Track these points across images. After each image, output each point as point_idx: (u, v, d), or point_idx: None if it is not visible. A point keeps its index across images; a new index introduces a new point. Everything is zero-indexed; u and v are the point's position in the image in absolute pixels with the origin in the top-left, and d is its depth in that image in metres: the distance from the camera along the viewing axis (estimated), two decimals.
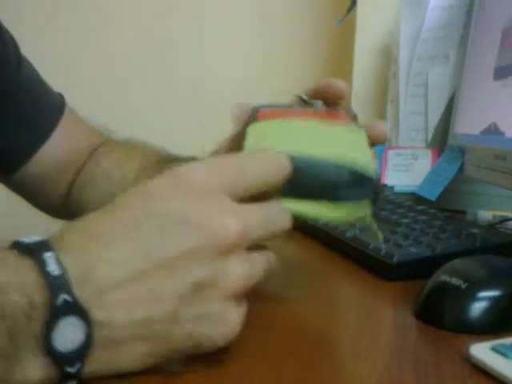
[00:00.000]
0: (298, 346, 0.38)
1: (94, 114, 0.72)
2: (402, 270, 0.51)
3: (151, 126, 1.24)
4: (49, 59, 1.22)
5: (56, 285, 0.29)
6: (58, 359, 0.29)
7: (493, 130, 0.67)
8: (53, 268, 0.29)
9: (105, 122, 0.73)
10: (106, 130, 0.75)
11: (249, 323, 0.35)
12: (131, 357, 0.32)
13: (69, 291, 0.29)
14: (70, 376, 0.30)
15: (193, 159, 0.55)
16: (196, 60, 1.31)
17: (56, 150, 0.69)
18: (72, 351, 0.29)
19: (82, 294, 0.29)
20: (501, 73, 0.67)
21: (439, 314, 0.41)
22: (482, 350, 0.34)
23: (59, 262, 0.29)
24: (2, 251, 0.31)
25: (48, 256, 0.29)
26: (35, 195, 0.71)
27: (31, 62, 0.70)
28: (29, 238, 0.31)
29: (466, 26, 0.83)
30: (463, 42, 0.83)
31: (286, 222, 0.37)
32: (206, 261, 0.32)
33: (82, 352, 0.30)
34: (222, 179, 0.35)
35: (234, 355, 0.36)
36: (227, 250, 0.33)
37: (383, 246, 0.53)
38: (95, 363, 0.30)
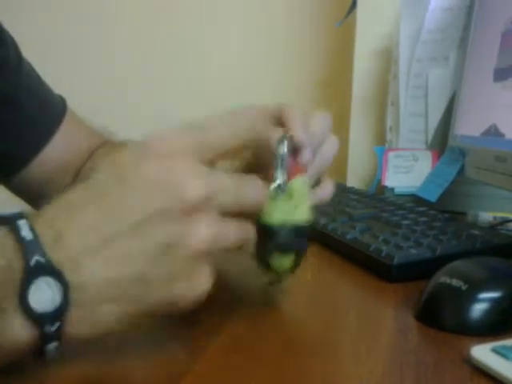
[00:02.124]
0: (298, 347, 0.38)
1: (93, 114, 0.72)
2: (402, 271, 0.51)
3: (151, 126, 1.24)
4: (49, 59, 1.22)
5: (29, 247, 0.31)
6: (37, 318, 0.31)
7: (493, 132, 0.67)
8: (26, 233, 0.31)
9: (104, 122, 0.73)
10: (107, 132, 0.75)
11: (249, 325, 0.35)
12: (108, 317, 0.33)
13: (41, 253, 0.31)
14: (51, 337, 0.31)
15: None
16: (196, 60, 1.31)
17: (57, 152, 0.69)
18: (50, 311, 0.31)
19: (54, 257, 0.31)
20: (501, 74, 0.67)
21: (440, 316, 0.41)
22: (482, 352, 0.34)
23: (32, 229, 0.31)
24: None
25: (22, 223, 0.32)
26: (36, 197, 0.71)
27: (31, 61, 0.70)
28: (7, 212, 0.33)
29: (466, 27, 0.83)
30: (463, 43, 0.83)
31: (260, 196, 0.38)
32: (170, 221, 0.33)
33: (59, 312, 0.31)
34: (186, 141, 0.36)
35: (233, 356, 0.36)
36: (192, 211, 0.33)
37: (384, 247, 0.53)
38: (74, 324, 0.32)
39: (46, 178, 0.69)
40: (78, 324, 0.32)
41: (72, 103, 0.74)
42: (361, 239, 0.58)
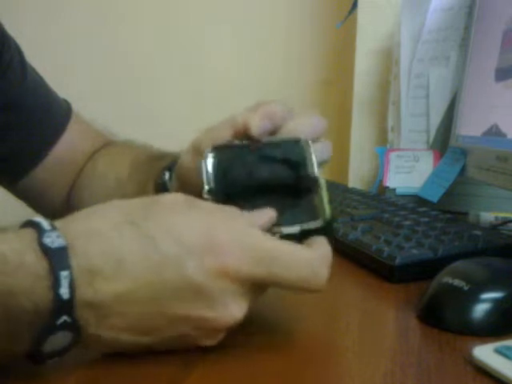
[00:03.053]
0: (300, 348, 0.38)
1: (94, 114, 0.72)
2: (404, 272, 0.51)
3: (151, 126, 1.25)
4: (50, 59, 1.22)
5: (62, 308, 0.31)
6: (41, 357, 0.32)
7: (494, 132, 0.67)
8: (64, 291, 0.31)
9: (105, 122, 0.74)
10: (110, 134, 0.75)
11: (251, 326, 0.35)
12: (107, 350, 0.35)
13: (71, 315, 0.31)
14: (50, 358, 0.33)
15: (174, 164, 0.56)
16: (196, 60, 1.31)
17: (62, 156, 0.69)
18: (54, 351, 0.32)
19: (84, 315, 0.32)
20: (502, 74, 0.67)
21: (442, 316, 0.41)
22: (485, 352, 0.34)
23: (71, 285, 0.31)
24: (21, 240, 0.32)
25: (64, 276, 0.31)
26: (40, 200, 0.71)
27: (31, 60, 0.70)
28: (52, 240, 0.32)
29: (467, 27, 0.83)
30: (464, 43, 0.83)
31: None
32: (200, 327, 0.35)
33: (63, 352, 0.33)
34: (249, 270, 0.35)
35: (235, 357, 0.36)
36: (222, 329, 0.35)
37: (385, 247, 0.53)
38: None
39: (51, 180, 0.70)
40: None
41: (72, 103, 0.74)
42: (362, 240, 0.57)
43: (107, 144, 0.73)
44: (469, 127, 0.75)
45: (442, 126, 0.87)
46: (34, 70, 0.70)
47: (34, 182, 0.69)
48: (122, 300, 0.33)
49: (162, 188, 0.56)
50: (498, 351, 0.34)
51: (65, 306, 0.31)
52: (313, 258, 0.36)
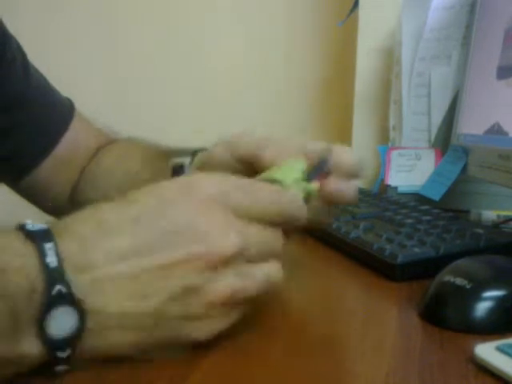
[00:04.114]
0: (302, 347, 0.38)
1: (95, 114, 0.72)
2: (406, 270, 0.51)
3: (152, 126, 1.25)
4: (50, 60, 1.22)
5: (52, 276, 0.31)
6: (50, 345, 0.31)
7: (496, 130, 0.67)
8: (51, 259, 0.31)
9: (106, 122, 0.74)
10: (112, 132, 0.75)
11: (251, 325, 0.35)
12: (119, 344, 0.34)
13: (64, 283, 0.31)
14: (61, 361, 0.32)
15: (195, 151, 0.58)
16: (197, 60, 1.31)
17: (65, 154, 0.70)
18: (64, 338, 0.31)
19: (77, 282, 0.31)
20: (504, 72, 0.67)
21: (444, 315, 0.41)
22: (487, 350, 0.34)
23: (58, 254, 0.31)
24: (7, 235, 0.33)
25: (48, 247, 0.31)
26: (43, 198, 0.71)
27: (32, 59, 0.70)
28: (33, 225, 0.33)
29: (469, 25, 0.82)
30: (466, 41, 0.83)
31: (280, 249, 0.39)
32: (200, 269, 0.34)
33: (73, 339, 0.32)
34: (233, 199, 0.37)
35: (236, 356, 0.36)
36: (222, 263, 0.35)
37: (387, 246, 0.53)
38: (85, 347, 0.32)
39: (54, 178, 0.70)
40: (88, 347, 0.33)
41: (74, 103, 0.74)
42: (364, 238, 0.57)
43: (110, 142, 0.73)
44: (471, 125, 0.75)
45: (443, 125, 0.87)
46: (36, 69, 0.70)
47: (38, 180, 0.69)
48: (113, 256, 0.32)
49: None
50: (499, 349, 0.34)
51: (56, 274, 0.31)
52: (289, 192, 0.40)
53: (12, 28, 0.68)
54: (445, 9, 0.89)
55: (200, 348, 0.36)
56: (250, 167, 0.50)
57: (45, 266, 0.31)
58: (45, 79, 0.71)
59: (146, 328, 0.34)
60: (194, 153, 0.58)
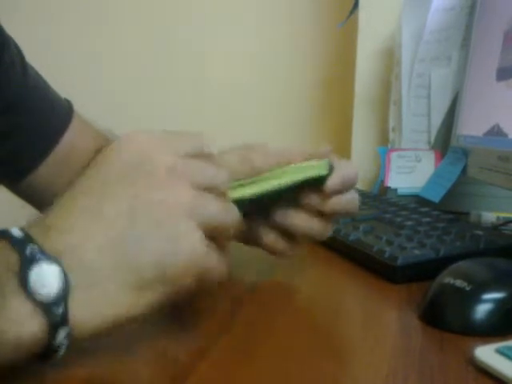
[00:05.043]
0: (302, 348, 0.38)
1: (94, 115, 0.72)
2: (405, 272, 0.51)
3: (152, 126, 1.25)
4: (49, 60, 1.22)
5: (22, 242, 0.32)
6: (41, 302, 0.31)
7: (496, 132, 0.67)
8: (17, 233, 0.33)
9: (105, 122, 0.74)
10: (111, 134, 0.75)
11: (252, 326, 0.35)
12: (109, 294, 0.34)
13: (34, 243, 0.32)
14: (59, 322, 0.32)
15: None
16: (197, 61, 1.31)
17: (64, 156, 0.70)
18: (53, 294, 0.32)
19: (47, 243, 0.33)
20: (504, 74, 0.67)
21: (444, 317, 0.41)
22: (486, 353, 0.34)
23: (22, 229, 0.33)
24: None
25: (13, 229, 0.34)
26: (43, 200, 0.71)
27: (31, 60, 0.70)
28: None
29: (468, 27, 0.82)
30: (465, 43, 0.83)
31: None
32: (152, 184, 0.36)
33: (62, 294, 0.32)
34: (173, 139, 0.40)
35: (236, 357, 0.36)
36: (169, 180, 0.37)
37: (387, 248, 0.53)
38: (79, 308, 0.33)
39: (53, 180, 0.70)
40: (82, 308, 0.33)
41: (74, 105, 0.74)
42: (364, 240, 0.57)
43: (108, 144, 0.73)
44: (470, 127, 0.75)
45: (443, 126, 0.87)
46: (34, 70, 0.70)
47: (37, 182, 0.69)
48: (70, 212, 0.35)
49: None
50: (499, 351, 0.34)
51: (23, 240, 0.33)
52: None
53: (10, 28, 0.68)
54: (445, 10, 0.89)
55: (199, 348, 0.36)
56: None
57: (12, 238, 0.33)
58: (43, 81, 0.71)
59: (130, 261, 0.34)
60: None
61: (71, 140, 0.70)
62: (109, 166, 0.39)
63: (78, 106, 0.74)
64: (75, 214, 0.35)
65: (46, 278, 0.32)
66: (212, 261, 0.37)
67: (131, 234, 0.34)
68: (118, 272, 0.34)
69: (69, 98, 0.74)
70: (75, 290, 0.32)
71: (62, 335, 0.32)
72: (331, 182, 0.48)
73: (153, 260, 0.34)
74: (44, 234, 0.33)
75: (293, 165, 0.47)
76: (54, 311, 0.32)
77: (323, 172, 0.47)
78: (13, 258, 0.32)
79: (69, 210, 0.36)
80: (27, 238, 0.33)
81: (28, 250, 0.32)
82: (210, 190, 0.38)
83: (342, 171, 0.49)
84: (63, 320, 0.32)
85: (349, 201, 0.50)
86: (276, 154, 0.49)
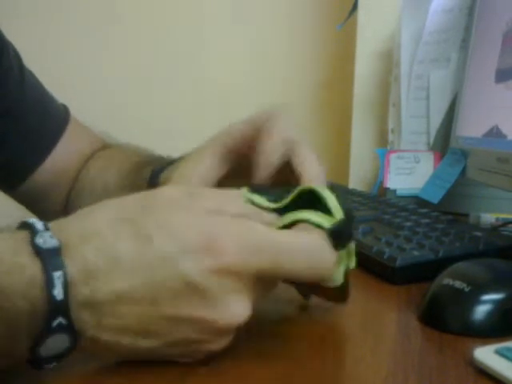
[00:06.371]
0: (301, 350, 0.38)
1: (94, 115, 0.73)
2: (404, 273, 0.51)
3: (151, 128, 1.25)
4: (49, 61, 1.22)
5: (56, 309, 0.30)
6: (39, 360, 0.32)
7: (495, 133, 0.67)
8: (58, 292, 0.30)
9: (104, 123, 0.74)
10: (108, 137, 0.75)
11: (252, 329, 0.35)
12: (106, 357, 0.34)
13: (66, 317, 0.31)
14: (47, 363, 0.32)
15: (174, 161, 0.58)
16: (197, 63, 1.32)
17: (60, 160, 0.70)
18: (53, 356, 0.32)
19: (81, 316, 0.31)
20: (503, 75, 0.67)
21: (443, 318, 0.41)
22: (486, 354, 0.34)
23: (65, 285, 0.30)
24: (16, 246, 0.31)
25: (57, 276, 0.30)
26: (40, 204, 0.71)
27: (29, 63, 0.70)
28: (43, 236, 0.31)
29: (467, 28, 0.83)
30: (464, 44, 0.83)
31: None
32: (204, 330, 0.33)
33: (61, 357, 0.32)
34: (250, 264, 0.33)
35: (235, 358, 0.36)
36: (226, 331, 0.34)
37: (386, 249, 0.53)
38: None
39: (49, 184, 0.70)
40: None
41: (72, 104, 0.74)
42: (363, 241, 0.57)
43: (104, 147, 0.74)
44: (469, 128, 0.75)
45: (442, 128, 0.87)
46: (32, 74, 0.70)
47: (34, 186, 0.69)
48: (119, 299, 0.32)
49: None
50: (498, 353, 0.34)
51: (59, 307, 0.30)
52: (315, 240, 0.35)
53: (9, 29, 0.68)
54: (444, 12, 0.89)
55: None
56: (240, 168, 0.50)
57: (50, 297, 0.30)
58: (41, 85, 0.71)
59: (137, 355, 0.34)
60: (169, 163, 0.58)
61: (67, 145, 0.71)
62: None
63: (77, 106, 0.74)
64: (126, 292, 0.32)
65: (56, 345, 0.31)
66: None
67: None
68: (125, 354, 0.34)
69: (68, 98, 0.74)
70: (78, 349, 0.32)
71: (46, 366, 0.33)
72: None
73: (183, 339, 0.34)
74: (82, 307, 0.31)
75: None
76: (46, 365, 0.32)
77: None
78: (39, 314, 0.30)
79: (124, 281, 0.32)
80: (64, 308, 0.30)
81: (55, 322, 0.30)
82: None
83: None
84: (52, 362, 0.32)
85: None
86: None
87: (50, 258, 0.31)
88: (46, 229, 0.32)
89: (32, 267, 0.30)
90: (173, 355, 0.34)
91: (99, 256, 0.32)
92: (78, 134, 0.72)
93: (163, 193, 0.36)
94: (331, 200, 0.39)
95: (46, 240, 0.31)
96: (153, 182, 0.58)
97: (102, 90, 1.32)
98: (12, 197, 0.71)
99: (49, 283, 0.30)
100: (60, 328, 0.31)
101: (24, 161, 0.68)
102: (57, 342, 0.31)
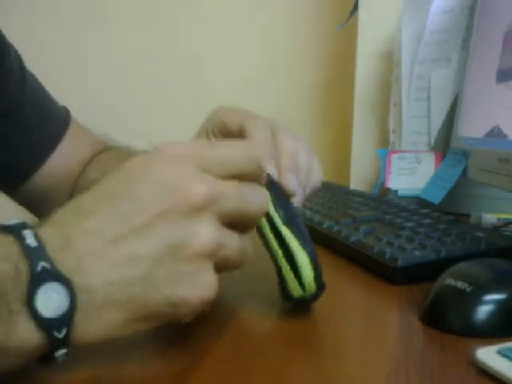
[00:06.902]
0: (303, 350, 0.38)
1: (93, 115, 0.73)
2: (406, 273, 0.51)
3: (151, 128, 1.25)
4: (48, 61, 1.22)
5: (34, 254, 0.31)
6: (44, 324, 0.31)
7: (496, 133, 0.67)
8: (31, 241, 0.31)
9: (104, 123, 0.74)
10: (108, 140, 0.75)
11: (252, 328, 0.35)
12: (113, 321, 0.33)
13: (47, 259, 0.31)
14: (60, 343, 0.31)
15: None
16: (197, 63, 1.32)
17: (61, 163, 0.70)
18: (57, 317, 0.31)
19: (60, 261, 0.31)
20: (503, 75, 0.67)
21: (445, 318, 0.41)
22: (488, 354, 0.34)
23: (37, 236, 0.32)
24: None
25: (27, 232, 0.32)
26: (40, 206, 0.71)
27: (30, 59, 0.70)
28: (10, 221, 0.33)
29: (468, 28, 0.83)
30: (465, 44, 0.83)
31: (263, 203, 0.39)
32: (176, 222, 0.34)
33: (67, 317, 0.31)
34: (196, 151, 0.37)
35: (235, 358, 0.36)
36: (197, 212, 0.34)
37: (387, 249, 0.53)
38: (81, 329, 0.32)
39: (49, 187, 0.70)
40: (84, 328, 0.32)
41: (72, 105, 0.74)
42: (364, 241, 0.57)
43: (105, 150, 0.74)
44: (470, 129, 0.75)
45: (443, 128, 0.87)
46: (33, 77, 0.71)
47: (34, 189, 0.69)
48: (91, 233, 0.32)
49: None
50: (500, 353, 0.34)
51: (37, 253, 0.31)
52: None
53: (9, 29, 0.68)
54: (444, 12, 0.89)
55: (200, 349, 0.36)
56: None
57: (25, 247, 0.31)
58: (42, 88, 0.71)
59: (137, 297, 0.33)
60: None
61: (67, 148, 0.71)
62: (138, 183, 0.35)
63: (76, 108, 0.74)
64: (95, 226, 0.33)
65: (53, 298, 0.31)
66: (233, 248, 0.36)
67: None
68: (127, 304, 0.33)
69: (68, 98, 0.74)
70: (80, 311, 0.32)
71: (60, 353, 0.32)
72: (289, 189, 0.47)
73: (164, 297, 0.33)
74: (61, 246, 0.32)
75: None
76: (57, 334, 0.31)
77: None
78: (22, 269, 0.31)
79: (90, 218, 0.33)
80: (41, 251, 0.31)
81: (39, 267, 0.31)
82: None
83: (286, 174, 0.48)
84: (64, 342, 0.31)
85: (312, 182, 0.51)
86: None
87: (17, 226, 0.32)
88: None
89: (4, 236, 0.32)
90: (167, 286, 0.34)
91: (62, 211, 0.34)
92: (78, 137, 0.72)
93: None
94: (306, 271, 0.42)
95: (11, 221, 0.33)
96: None
97: (101, 89, 1.32)
98: (13, 198, 0.71)
99: (21, 238, 0.31)
100: (46, 273, 0.31)
101: (24, 163, 0.68)
102: (51, 294, 0.31)
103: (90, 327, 0.32)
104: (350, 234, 0.60)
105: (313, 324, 0.44)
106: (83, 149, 0.73)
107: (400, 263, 0.51)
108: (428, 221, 0.63)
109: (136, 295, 0.33)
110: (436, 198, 0.77)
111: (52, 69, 1.17)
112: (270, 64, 1.30)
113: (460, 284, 0.41)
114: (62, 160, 0.70)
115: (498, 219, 0.77)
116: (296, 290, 0.42)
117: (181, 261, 0.34)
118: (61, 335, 0.31)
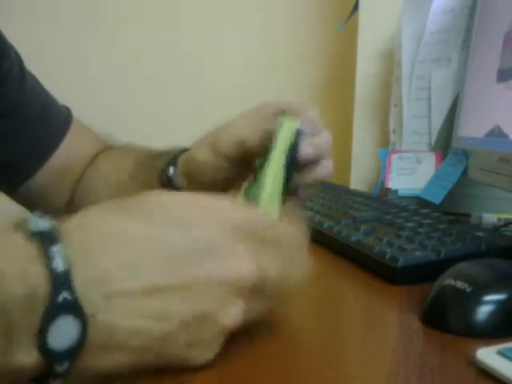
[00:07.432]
0: (303, 350, 0.38)
1: (93, 115, 0.73)
2: (406, 273, 0.51)
3: (151, 128, 1.25)
4: (48, 61, 1.22)
5: (59, 282, 0.28)
6: (49, 356, 0.29)
7: (496, 133, 0.66)
8: (58, 263, 0.28)
9: (104, 123, 0.74)
10: (110, 138, 0.76)
11: (252, 329, 0.35)
12: (119, 362, 0.31)
13: (72, 291, 0.28)
14: (57, 374, 0.29)
15: (184, 150, 0.59)
16: (197, 63, 1.32)
17: (62, 162, 0.70)
18: (64, 350, 0.29)
19: (87, 293, 0.29)
20: (504, 75, 0.67)
21: (445, 318, 0.41)
22: (488, 354, 0.34)
23: (66, 258, 0.28)
24: (7, 233, 0.30)
25: (56, 249, 0.28)
26: (41, 205, 0.71)
27: (30, 60, 0.71)
28: (36, 222, 0.30)
29: (469, 28, 0.83)
30: (466, 44, 0.83)
31: (300, 279, 0.38)
32: (216, 295, 0.33)
33: (73, 351, 0.29)
34: (249, 225, 0.35)
35: (236, 358, 0.36)
36: (238, 292, 0.34)
37: (388, 249, 0.53)
38: (82, 363, 0.30)
39: (50, 186, 0.70)
40: (86, 363, 0.30)
41: (71, 105, 0.74)
42: (365, 241, 0.57)
43: (107, 148, 0.74)
44: (471, 128, 0.75)
45: (443, 128, 0.87)
46: (34, 77, 0.71)
47: (35, 187, 0.69)
48: (125, 270, 0.30)
49: (168, 184, 0.57)
50: (501, 353, 0.34)
51: (62, 280, 0.28)
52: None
53: (8, 29, 0.68)
54: (445, 12, 0.89)
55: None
56: (237, 162, 0.52)
57: (50, 270, 0.28)
58: (42, 88, 0.71)
59: (151, 351, 0.32)
60: (175, 156, 0.59)
61: (69, 146, 0.71)
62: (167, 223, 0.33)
63: (77, 107, 0.75)
64: (132, 264, 0.30)
65: (66, 331, 0.28)
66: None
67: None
68: (139, 352, 0.31)
69: (68, 98, 0.74)
70: (89, 348, 0.29)
71: (55, 382, 0.30)
72: (304, 153, 0.49)
73: (178, 356, 0.33)
74: (88, 277, 0.29)
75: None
76: (57, 368, 0.29)
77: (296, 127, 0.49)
78: (40, 294, 0.27)
79: (127, 252, 0.31)
80: (66, 279, 0.28)
81: (61, 298, 0.28)
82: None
83: (314, 139, 0.51)
84: (63, 374, 0.29)
85: (320, 172, 0.52)
86: (238, 131, 0.52)
87: (46, 237, 0.29)
88: (40, 216, 0.31)
89: (25, 247, 0.28)
90: (183, 349, 0.33)
91: (96, 234, 0.31)
92: (80, 136, 0.73)
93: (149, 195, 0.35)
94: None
95: (37, 223, 0.30)
96: (167, 170, 0.59)
97: (101, 90, 1.32)
98: (12, 197, 0.71)
99: (48, 257, 0.28)
100: (66, 305, 0.28)
101: (25, 162, 0.68)
102: (65, 327, 0.28)
103: (92, 363, 0.30)
104: (350, 234, 0.60)
105: (312, 324, 0.44)
106: (85, 147, 0.73)
107: (400, 263, 0.51)
108: (428, 221, 0.63)
109: (151, 348, 0.32)
110: (436, 198, 0.77)
111: (52, 69, 1.17)
112: (270, 64, 1.30)
113: (460, 284, 0.41)
114: (64, 158, 0.70)
115: (499, 219, 0.77)
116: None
117: (205, 331, 0.33)
118: (62, 368, 0.29)
